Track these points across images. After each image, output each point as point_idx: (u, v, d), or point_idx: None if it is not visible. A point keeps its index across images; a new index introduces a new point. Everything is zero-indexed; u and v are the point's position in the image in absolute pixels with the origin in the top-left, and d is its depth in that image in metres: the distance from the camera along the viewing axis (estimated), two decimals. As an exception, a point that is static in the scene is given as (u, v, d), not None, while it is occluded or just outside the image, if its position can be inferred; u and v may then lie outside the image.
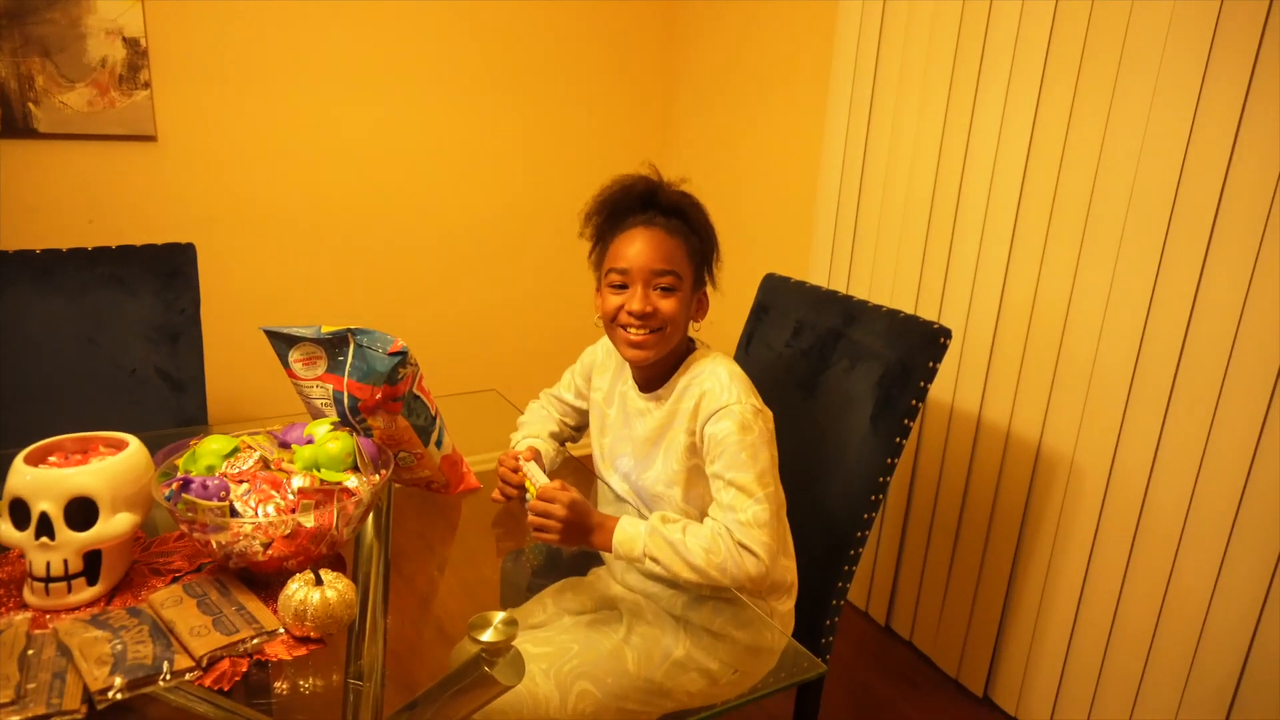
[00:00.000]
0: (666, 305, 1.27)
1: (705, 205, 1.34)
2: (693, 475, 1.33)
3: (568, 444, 1.62)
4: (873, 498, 1.46)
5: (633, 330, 1.28)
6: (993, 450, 1.96)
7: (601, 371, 1.50)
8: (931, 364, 1.42)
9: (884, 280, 2.19)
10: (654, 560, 1.20)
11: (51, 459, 1.08)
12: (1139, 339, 1.63)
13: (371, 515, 1.33)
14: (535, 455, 1.43)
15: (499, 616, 1.01)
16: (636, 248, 1.27)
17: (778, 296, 1.76)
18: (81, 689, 0.88)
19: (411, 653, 1.11)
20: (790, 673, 1.15)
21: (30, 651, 0.93)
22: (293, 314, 2.60)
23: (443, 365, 2.24)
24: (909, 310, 2.03)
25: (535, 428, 1.56)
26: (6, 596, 1.05)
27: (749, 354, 1.78)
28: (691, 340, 1.39)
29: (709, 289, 1.37)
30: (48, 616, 1.01)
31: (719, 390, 1.27)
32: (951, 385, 2.04)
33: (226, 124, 2.40)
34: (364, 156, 2.62)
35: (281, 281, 2.58)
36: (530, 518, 1.23)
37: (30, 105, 2.17)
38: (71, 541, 1.01)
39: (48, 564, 1.01)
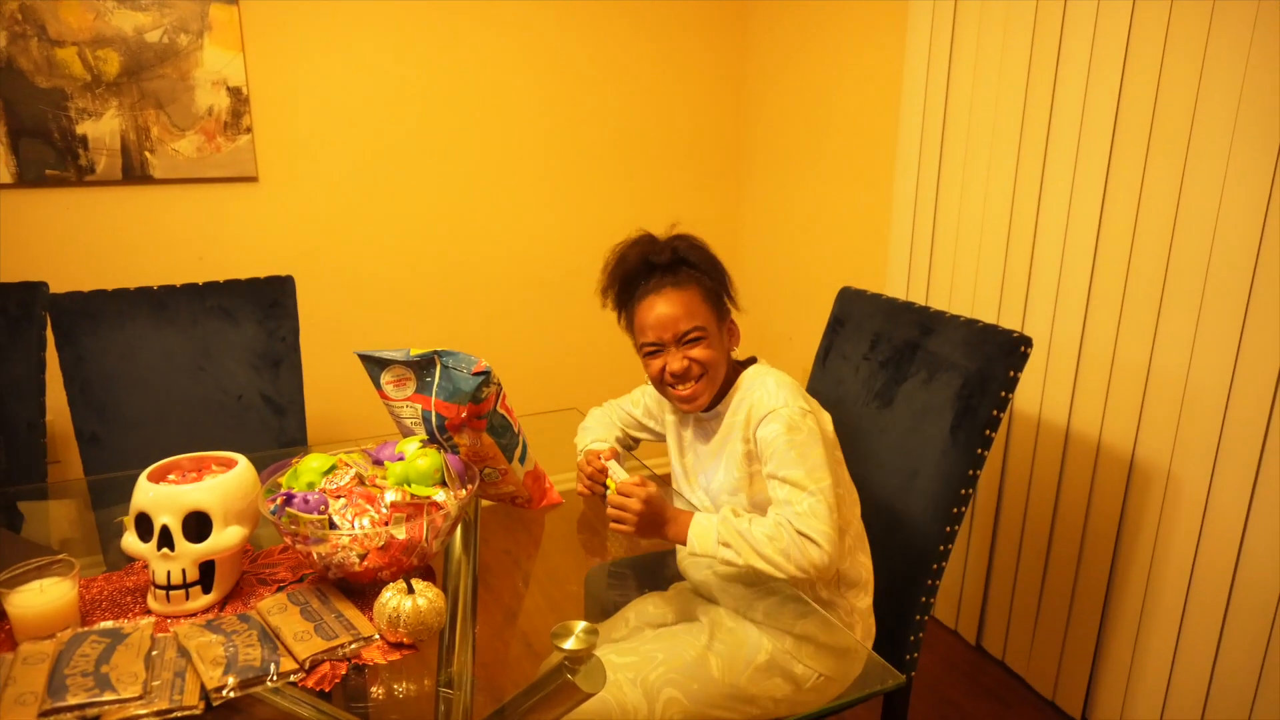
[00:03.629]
0: (702, 354, 1.35)
1: (702, 238, 1.42)
2: (755, 480, 1.37)
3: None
4: (954, 510, 1.45)
5: (680, 388, 1.38)
6: (1083, 461, 1.91)
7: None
8: (1012, 373, 1.40)
9: (964, 290, 2.16)
10: (726, 546, 1.25)
11: (171, 477, 1.17)
12: (1236, 345, 1.57)
13: (460, 529, 1.39)
14: (616, 454, 1.51)
15: (580, 625, 1.04)
16: (656, 315, 1.35)
17: (854, 309, 1.77)
18: (199, 687, 0.95)
19: (499, 663, 1.16)
20: (871, 683, 1.15)
21: (154, 652, 1.01)
22: (384, 338, 2.72)
23: (526, 385, 2.31)
24: (991, 319, 2.01)
25: (602, 432, 1.63)
26: (133, 603, 1.14)
27: (826, 367, 1.78)
28: (743, 361, 1.46)
29: (735, 313, 1.44)
30: (169, 621, 1.10)
31: (766, 397, 1.33)
32: (1038, 395, 1.99)
33: (320, 163, 2.54)
34: (449, 188, 2.73)
35: (373, 308, 2.71)
36: (609, 511, 1.30)
37: (147, 154, 2.34)
38: (189, 552, 1.09)
39: (168, 573, 1.09)
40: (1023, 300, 2.00)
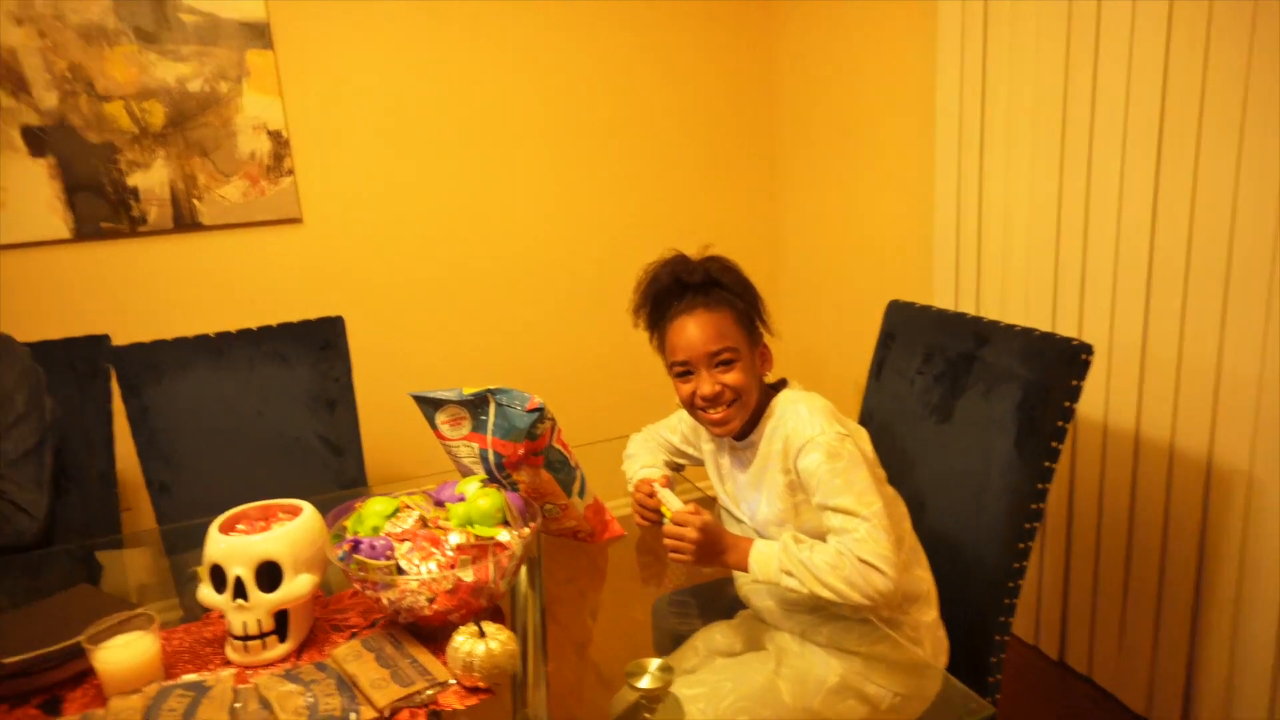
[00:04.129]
0: (732, 379, 1.34)
1: (736, 262, 1.41)
2: (800, 510, 1.36)
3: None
4: (1026, 525, 1.41)
5: (711, 411, 1.36)
6: (1157, 466, 1.85)
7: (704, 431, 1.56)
8: (1075, 382, 1.37)
9: (1015, 298, 2.12)
10: (789, 575, 1.24)
11: (240, 527, 1.19)
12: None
13: (524, 566, 1.40)
14: (669, 481, 1.50)
15: (655, 663, 1.04)
16: (687, 337, 1.35)
17: (904, 323, 1.74)
18: (282, 740, 0.97)
19: (574, 697, 1.15)
20: (958, 714, 1.12)
21: (237, 704, 1.02)
22: (434, 373, 2.75)
23: (581, 417, 2.31)
24: (1047, 326, 1.97)
25: (648, 458, 1.63)
26: (212, 654, 1.17)
27: (880, 383, 1.76)
28: (774, 385, 1.44)
29: (767, 337, 1.42)
30: (248, 671, 1.11)
31: (801, 426, 1.31)
32: (1102, 402, 1.94)
33: (362, 201, 2.59)
34: (491, 221, 2.76)
35: (422, 343, 2.74)
36: (665, 541, 1.28)
37: (195, 201, 2.40)
38: (262, 602, 1.11)
39: (244, 624, 1.11)
40: (1078, 304, 1.96)
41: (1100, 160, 1.85)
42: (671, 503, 1.40)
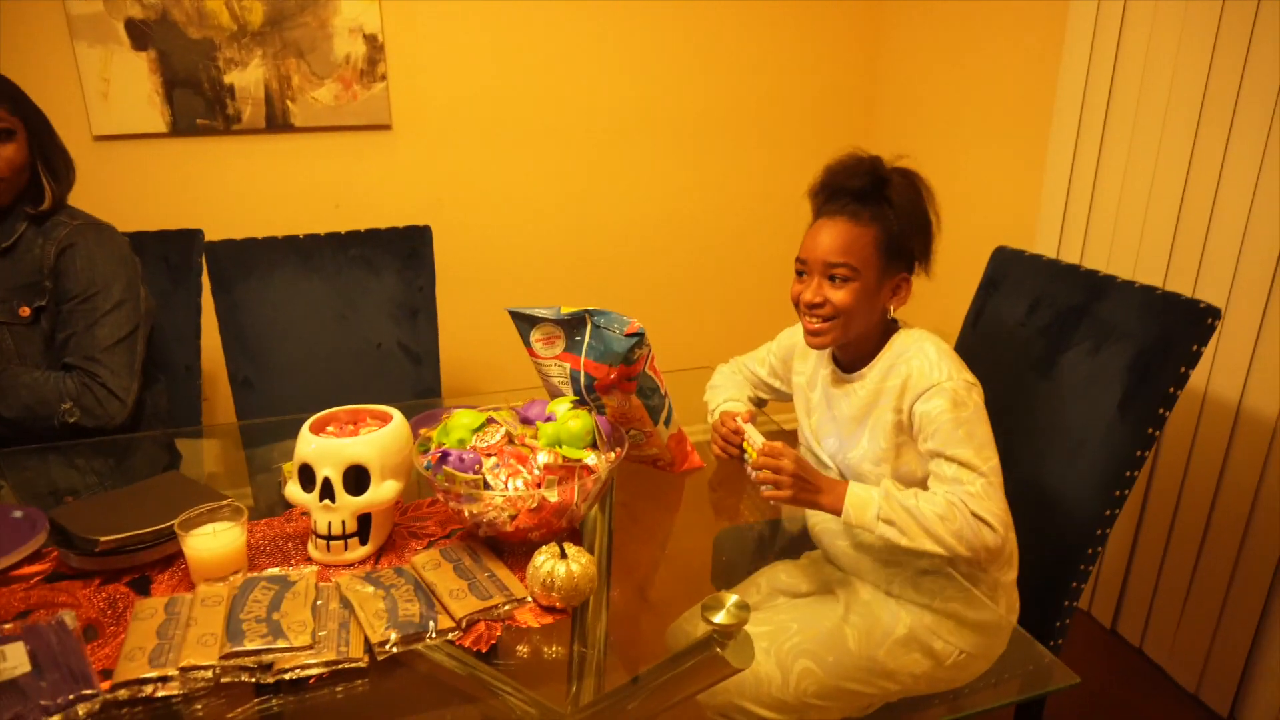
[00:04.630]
0: (838, 296, 1.28)
1: (927, 185, 1.31)
2: (902, 451, 1.32)
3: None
4: (1116, 493, 1.35)
5: (808, 318, 1.32)
6: (1255, 446, 1.75)
7: (803, 356, 1.52)
8: (1196, 347, 1.29)
9: (1124, 254, 2.00)
10: (889, 523, 1.19)
11: (330, 429, 1.20)
12: None
13: (598, 489, 1.39)
14: (753, 416, 1.47)
15: (732, 599, 1.02)
16: (816, 239, 1.29)
17: (1011, 270, 1.66)
18: (363, 640, 0.98)
19: (632, 625, 1.15)
20: (1028, 673, 1.09)
21: (319, 602, 1.04)
22: (517, 292, 2.75)
23: (665, 343, 2.29)
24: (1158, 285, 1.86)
25: (733, 391, 1.60)
26: (294, 549, 1.19)
27: (977, 330, 1.69)
28: (894, 320, 1.38)
29: (917, 276, 1.34)
30: (330, 570, 1.13)
31: (928, 368, 1.26)
32: (1206, 369, 1.84)
33: (453, 113, 2.55)
34: (583, 143, 2.71)
35: (505, 260, 2.73)
36: (757, 475, 1.23)
37: (288, 102, 2.40)
38: (349, 504, 1.12)
39: (329, 524, 1.13)
40: (1195, 268, 1.84)
41: (1244, 120, 1.71)
42: (755, 439, 1.35)
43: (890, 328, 1.37)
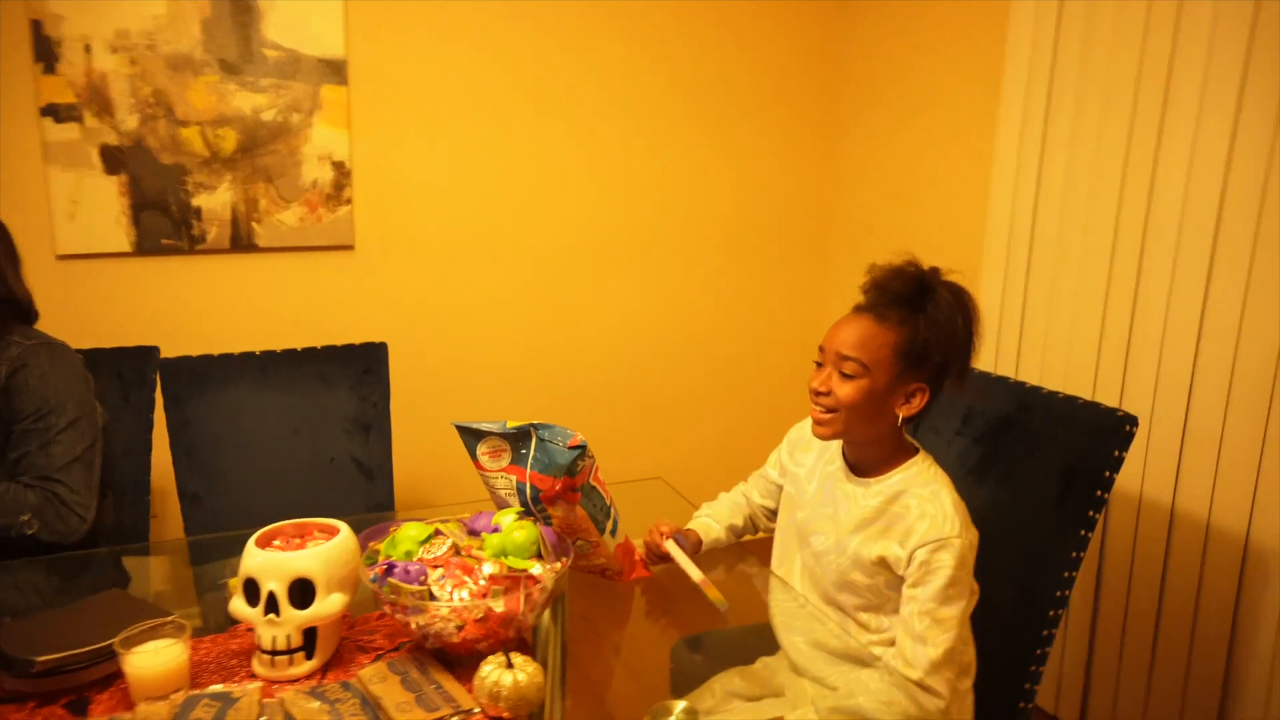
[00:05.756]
0: (843, 390, 1.28)
1: (973, 304, 1.32)
2: (891, 576, 1.31)
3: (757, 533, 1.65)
4: (1058, 594, 1.39)
5: (814, 406, 1.33)
6: (1191, 544, 1.82)
7: (806, 448, 1.51)
8: (1117, 453, 1.36)
9: (1055, 364, 2.11)
10: None
11: (276, 543, 1.21)
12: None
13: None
14: (676, 533, 1.48)
15: (680, 705, 1.03)
16: (837, 330, 1.31)
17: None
18: (304, 757, 0.97)
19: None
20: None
21: (263, 718, 1.03)
22: (471, 406, 2.78)
23: (612, 453, 2.33)
24: (1086, 394, 1.95)
25: (717, 511, 1.62)
26: (239, 666, 1.17)
27: (916, 438, 1.75)
28: (912, 443, 1.38)
29: (949, 384, 1.33)
30: (274, 686, 1.12)
31: (942, 519, 1.25)
32: (1139, 472, 1.92)
33: (414, 235, 2.65)
34: (536, 263, 2.81)
35: (460, 376, 2.78)
36: None
37: (254, 224, 2.47)
38: (294, 618, 1.12)
39: (274, 638, 1.12)
40: (1120, 371, 1.95)
41: (1159, 212, 1.85)
42: (678, 556, 1.41)
43: (906, 447, 1.37)
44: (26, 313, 1.65)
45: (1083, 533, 1.38)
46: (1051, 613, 1.39)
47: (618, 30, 2.74)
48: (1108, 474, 1.37)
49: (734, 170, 2.98)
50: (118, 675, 1.12)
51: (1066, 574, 1.39)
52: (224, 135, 2.40)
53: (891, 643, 1.32)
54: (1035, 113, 2.11)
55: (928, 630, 1.23)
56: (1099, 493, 1.37)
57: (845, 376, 1.29)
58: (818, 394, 1.31)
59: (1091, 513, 1.37)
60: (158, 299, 2.43)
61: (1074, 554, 1.38)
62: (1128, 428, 1.36)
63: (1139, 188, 1.88)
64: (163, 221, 2.39)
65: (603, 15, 2.71)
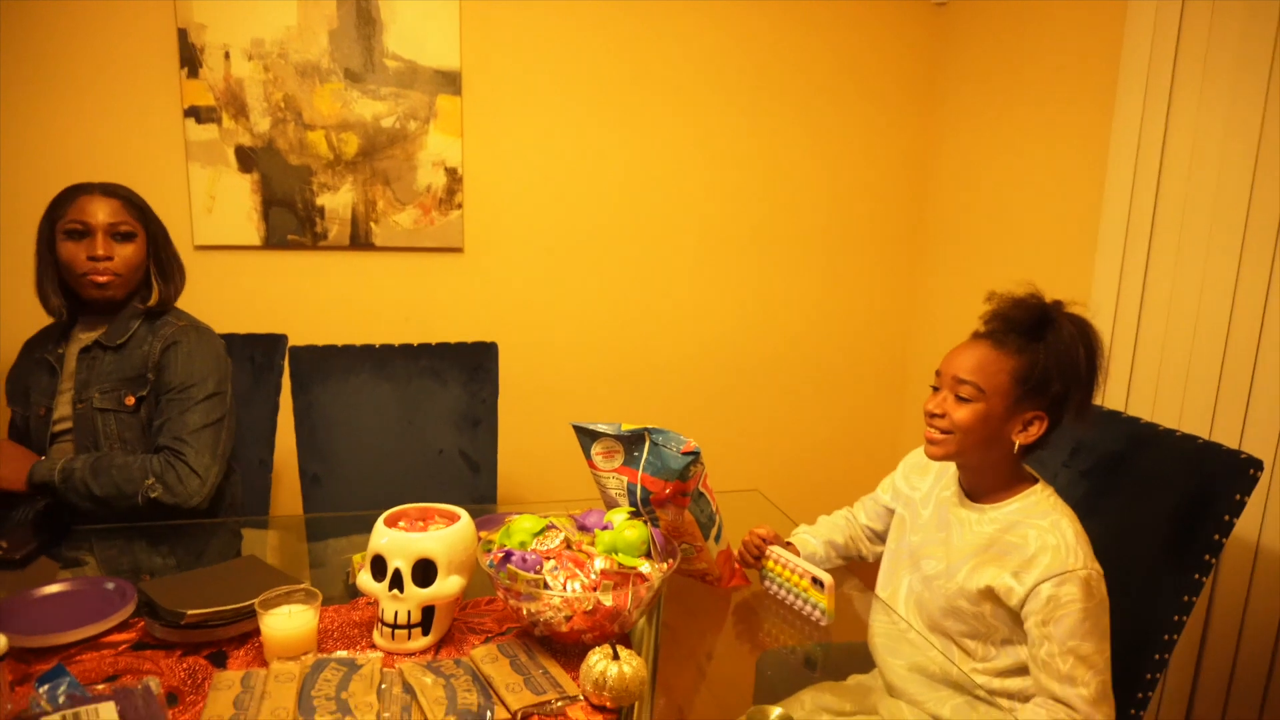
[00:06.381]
0: (959, 413, 1.30)
1: (1095, 334, 1.31)
2: (997, 606, 1.30)
3: (859, 558, 1.66)
4: (1165, 638, 1.36)
5: (929, 427, 1.35)
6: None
7: (923, 473, 1.54)
8: (1239, 496, 1.32)
9: (1171, 400, 2.04)
10: None
11: (401, 524, 1.28)
12: None
13: (647, 600, 1.43)
14: (775, 538, 1.52)
15: (776, 711, 1.06)
16: (955, 354, 1.34)
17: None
18: (424, 724, 1.03)
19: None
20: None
21: (384, 685, 1.09)
22: (576, 408, 2.86)
23: (714, 463, 2.37)
24: (1202, 434, 1.89)
25: (820, 528, 1.65)
26: (359, 636, 1.25)
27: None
28: (1032, 474, 1.38)
29: (1068, 416, 1.32)
30: (393, 657, 1.19)
31: (1064, 551, 1.24)
32: (1258, 519, 1.84)
33: (522, 239, 2.74)
34: (643, 268, 2.87)
35: (568, 377, 2.86)
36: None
37: (371, 224, 2.60)
38: (415, 595, 1.19)
39: (395, 613, 1.19)
40: (1241, 412, 1.88)
41: None
42: (783, 557, 1.46)
43: (1024, 475, 1.37)
44: (178, 287, 1.79)
45: (1196, 576, 1.34)
46: (1156, 656, 1.36)
47: (722, 33, 2.78)
48: (1227, 518, 1.33)
49: (830, 171, 2.98)
50: (253, 634, 1.22)
51: (1176, 618, 1.35)
52: (347, 140, 2.54)
53: (998, 673, 1.31)
54: (1154, 119, 2.03)
55: (1074, 669, 1.20)
56: (1216, 536, 1.33)
57: (961, 400, 1.31)
58: (933, 416, 1.34)
59: (1208, 556, 1.34)
60: (284, 291, 2.57)
61: (1185, 598, 1.35)
62: (1251, 471, 1.32)
63: (1269, 207, 1.80)
64: (289, 218, 2.54)
65: (707, 18, 2.75)
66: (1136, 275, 2.12)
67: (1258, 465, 1.32)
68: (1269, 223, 1.81)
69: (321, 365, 2.06)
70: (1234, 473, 1.33)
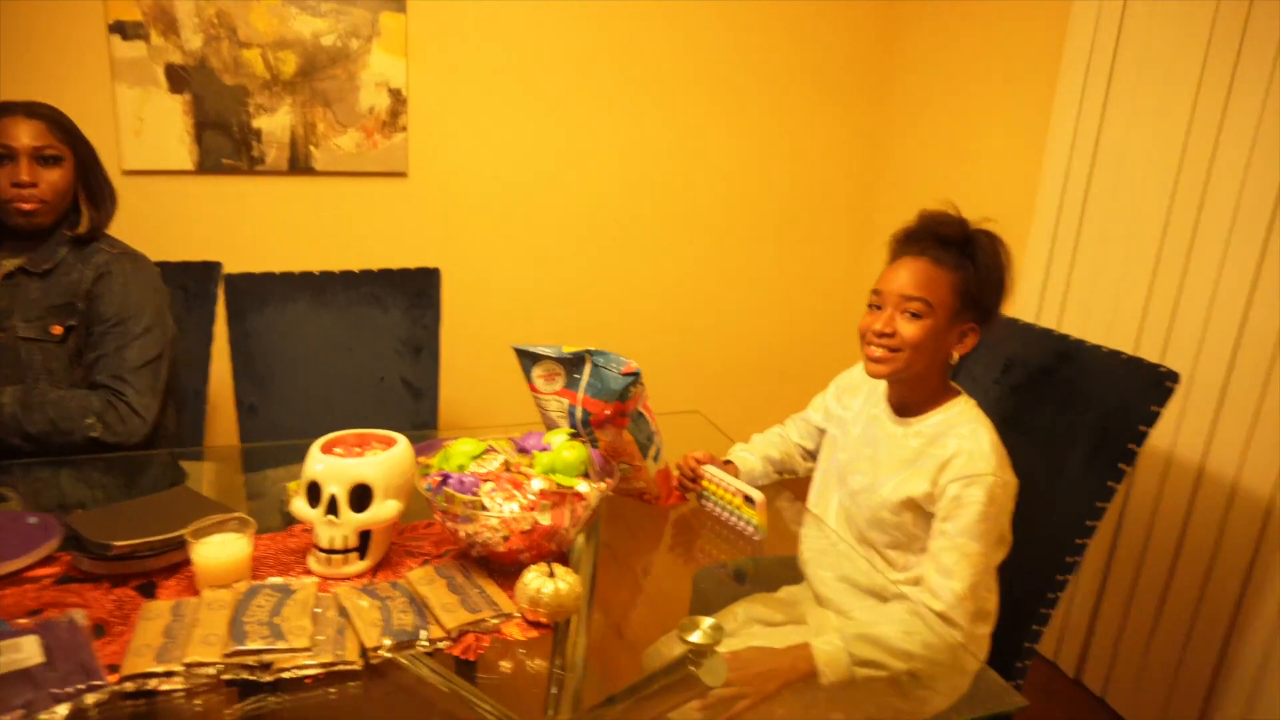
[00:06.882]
0: (909, 330, 1.32)
1: (1007, 247, 1.36)
2: (918, 515, 1.36)
3: (792, 473, 1.70)
4: (1077, 541, 1.42)
5: (873, 347, 1.36)
6: (1214, 504, 1.83)
7: (854, 393, 1.57)
8: (1154, 408, 1.37)
9: (1100, 317, 2.10)
10: (866, 665, 1.19)
11: (337, 450, 1.27)
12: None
13: (587, 520, 1.45)
14: (709, 459, 1.54)
15: (707, 621, 1.09)
16: (894, 273, 1.35)
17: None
18: (358, 645, 1.05)
19: (608, 650, 1.21)
20: (984, 706, 1.14)
21: (318, 610, 1.11)
22: (518, 331, 2.85)
23: (654, 384, 2.39)
24: (1129, 350, 1.95)
25: (755, 445, 1.67)
26: (295, 562, 1.26)
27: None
28: (954, 385, 1.43)
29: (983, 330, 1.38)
30: (329, 582, 1.20)
31: (978, 456, 1.29)
32: (1172, 431, 1.92)
33: (467, 163, 2.68)
34: (590, 188, 2.84)
35: (511, 301, 2.85)
36: (714, 696, 1.11)
37: (311, 147, 2.52)
38: (351, 521, 1.19)
39: (331, 538, 1.20)
40: (1166, 329, 1.94)
41: (1219, 177, 1.82)
42: (717, 476, 1.48)
43: (949, 388, 1.41)
44: (108, 213, 1.72)
45: (1109, 484, 1.40)
46: (1068, 559, 1.42)
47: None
48: (1142, 428, 1.38)
49: (787, 121, 2.97)
50: (184, 564, 1.21)
51: (1088, 523, 1.41)
52: (284, 59, 2.44)
53: (917, 581, 1.36)
54: (1092, 102, 2.09)
55: (955, 564, 1.27)
56: (1130, 445, 1.38)
57: (912, 316, 1.33)
58: (881, 335, 1.34)
59: (1121, 465, 1.39)
60: (219, 217, 2.50)
61: (1098, 504, 1.40)
62: (1167, 383, 1.37)
63: (1201, 149, 1.84)
64: (224, 141, 2.45)
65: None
66: (1075, 206, 2.15)
67: (1174, 378, 1.37)
68: (1202, 155, 1.84)
69: (258, 293, 2.02)
70: (1151, 385, 1.38)
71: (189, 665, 0.99)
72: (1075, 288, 2.17)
